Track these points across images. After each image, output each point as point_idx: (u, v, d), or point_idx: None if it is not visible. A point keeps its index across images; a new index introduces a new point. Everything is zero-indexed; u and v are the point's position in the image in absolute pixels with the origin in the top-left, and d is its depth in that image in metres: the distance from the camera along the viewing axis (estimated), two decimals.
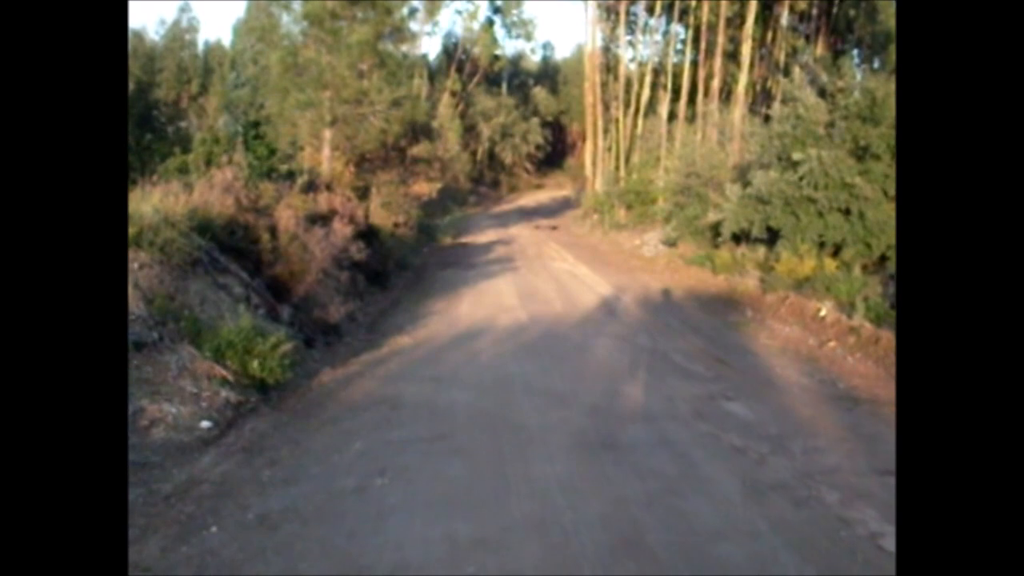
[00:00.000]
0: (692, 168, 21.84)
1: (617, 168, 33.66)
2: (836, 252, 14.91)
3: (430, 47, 74.25)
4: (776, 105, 23.76)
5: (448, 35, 51.25)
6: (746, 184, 17.04)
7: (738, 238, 17.52)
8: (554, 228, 32.31)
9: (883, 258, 13.99)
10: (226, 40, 47.22)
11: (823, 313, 12.27)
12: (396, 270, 16.94)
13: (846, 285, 12.58)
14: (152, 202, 7.58)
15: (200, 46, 46.42)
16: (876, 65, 27.51)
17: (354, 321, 11.07)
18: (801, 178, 15.28)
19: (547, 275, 17.77)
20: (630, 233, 27.36)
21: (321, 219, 11.06)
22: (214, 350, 6.45)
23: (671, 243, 22.00)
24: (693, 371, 9.12)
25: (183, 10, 48.37)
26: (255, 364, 6.54)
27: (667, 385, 8.29)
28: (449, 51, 50.42)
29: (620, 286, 16.10)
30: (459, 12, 49.23)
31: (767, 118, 19.81)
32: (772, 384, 8.62)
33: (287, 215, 9.46)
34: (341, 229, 10.30)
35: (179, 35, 45.44)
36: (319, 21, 17.69)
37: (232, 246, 8.72)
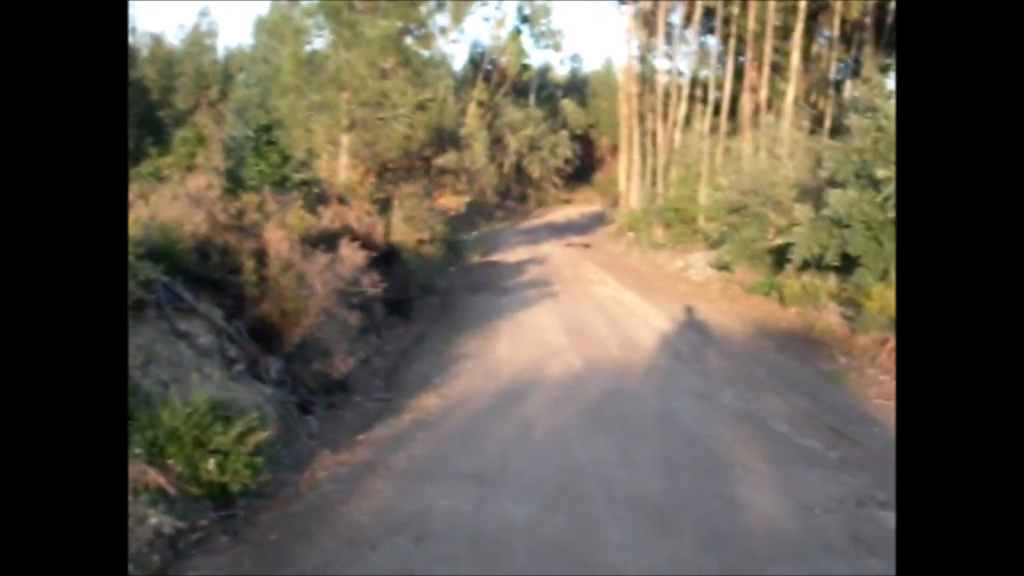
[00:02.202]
0: (748, 185, 19.64)
1: (654, 184, 31.51)
2: None
3: (457, 55, 72.72)
4: (831, 119, 21.68)
5: (475, 44, 49.53)
6: (819, 205, 15.05)
7: (805, 264, 15.54)
8: (587, 246, 30.15)
9: None
10: (248, 45, 45.67)
11: None
12: (420, 295, 14.76)
13: None
14: None
15: (220, 51, 44.88)
16: None
17: (368, 367, 8.84)
18: (886, 199, 13.35)
19: (591, 303, 15.52)
20: (670, 253, 25.27)
21: (329, 239, 8.89)
22: (148, 445, 4.24)
23: (723, 267, 19.84)
24: (811, 451, 6.86)
25: (203, 14, 46.77)
26: (211, 465, 4.35)
27: (790, 479, 6.03)
28: (476, 60, 48.60)
29: (676, 318, 13.86)
30: (486, 19, 47.37)
31: (842, 129, 17.74)
32: None
33: (279, 236, 7.26)
34: (351, 256, 8.06)
35: (198, 40, 43.99)
36: (335, 12, 15.65)
37: (203, 277, 6.52)
